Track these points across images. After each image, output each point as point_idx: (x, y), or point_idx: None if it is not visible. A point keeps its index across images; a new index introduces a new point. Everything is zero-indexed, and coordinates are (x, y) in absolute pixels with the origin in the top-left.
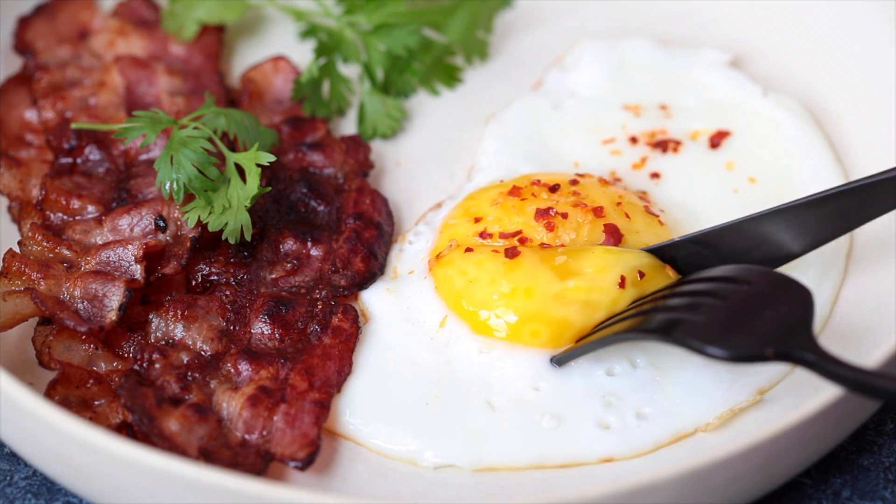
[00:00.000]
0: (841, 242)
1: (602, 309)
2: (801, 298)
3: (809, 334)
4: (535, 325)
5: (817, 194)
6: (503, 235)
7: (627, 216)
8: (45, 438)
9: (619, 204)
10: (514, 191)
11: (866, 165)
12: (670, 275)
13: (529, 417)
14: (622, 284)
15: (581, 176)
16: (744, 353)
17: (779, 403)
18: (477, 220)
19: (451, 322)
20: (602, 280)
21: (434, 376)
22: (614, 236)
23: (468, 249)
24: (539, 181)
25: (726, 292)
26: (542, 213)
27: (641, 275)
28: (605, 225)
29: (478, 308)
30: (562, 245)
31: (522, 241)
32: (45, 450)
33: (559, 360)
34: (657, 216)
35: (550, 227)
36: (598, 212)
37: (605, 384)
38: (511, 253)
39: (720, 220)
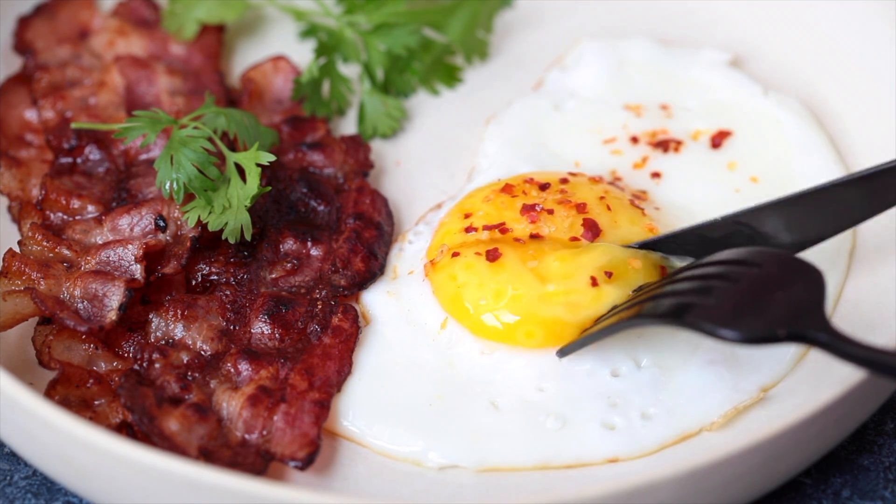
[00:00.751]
0: (843, 242)
1: (587, 307)
2: (812, 279)
3: (822, 315)
4: (527, 326)
5: (817, 186)
6: (486, 227)
7: (609, 209)
8: (45, 438)
9: (602, 198)
10: (507, 188)
11: (867, 165)
12: (636, 266)
13: (534, 418)
14: (595, 283)
15: (573, 175)
16: (756, 334)
17: (779, 403)
18: (466, 216)
19: (452, 324)
20: (574, 282)
21: (437, 377)
22: (592, 230)
23: (455, 254)
24: (532, 180)
25: (737, 275)
26: (528, 209)
27: (609, 274)
28: (584, 220)
29: (471, 311)
30: (538, 234)
31: (504, 231)
32: (46, 450)
33: (563, 352)
34: (641, 209)
35: (533, 221)
36: (580, 207)
37: (609, 385)
38: (492, 255)
39: None
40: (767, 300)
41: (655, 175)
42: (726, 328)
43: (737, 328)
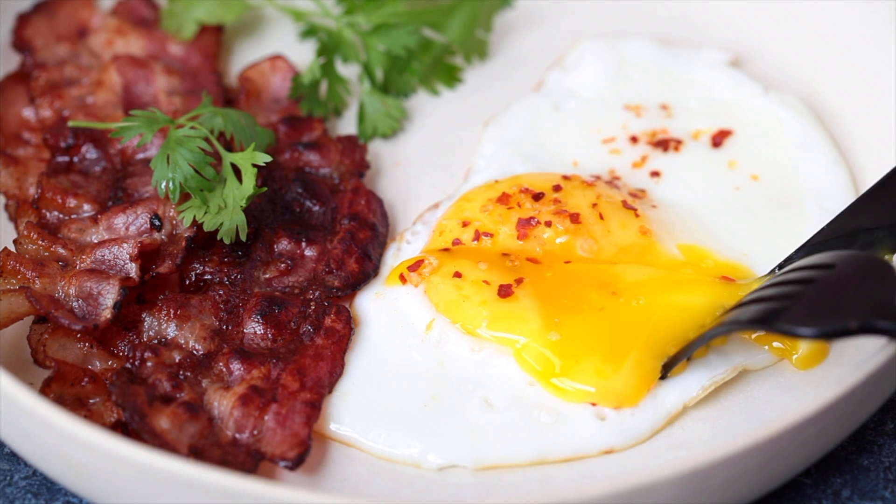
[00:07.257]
0: None
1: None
2: (882, 274)
3: (891, 307)
4: (527, 341)
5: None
6: (485, 234)
7: (602, 217)
8: (44, 438)
9: (594, 205)
10: (503, 198)
11: (867, 165)
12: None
13: (528, 413)
14: None
15: (566, 179)
16: (829, 329)
17: (778, 403)
18: (465, 225)
19: (439, 322)
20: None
21: (429, 378)
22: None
23: (457, 274)
24: (526, 188)
25: (813, 278)
26: (524, 224)
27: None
28: (578, 231)
29: (470, 323)
30: (534, 259)
31: (506, 254)
32: (45, 449)
33: (666, 369)
34: (634, 209)
35: (524, 238)
36: (574, 218)
37: None
38: (505, 292)
39: (721, 217)
40: (841, 297)
41: (655, 174)
42: (803, 326)
43: (812, 325)
